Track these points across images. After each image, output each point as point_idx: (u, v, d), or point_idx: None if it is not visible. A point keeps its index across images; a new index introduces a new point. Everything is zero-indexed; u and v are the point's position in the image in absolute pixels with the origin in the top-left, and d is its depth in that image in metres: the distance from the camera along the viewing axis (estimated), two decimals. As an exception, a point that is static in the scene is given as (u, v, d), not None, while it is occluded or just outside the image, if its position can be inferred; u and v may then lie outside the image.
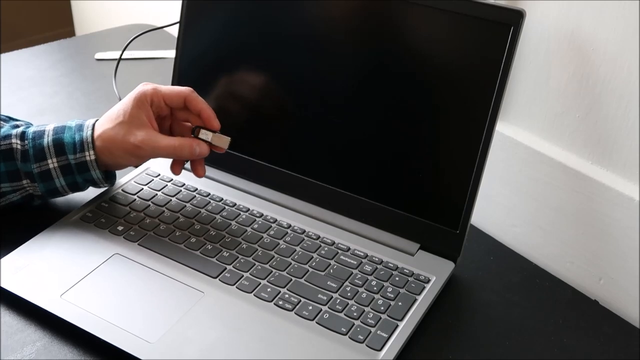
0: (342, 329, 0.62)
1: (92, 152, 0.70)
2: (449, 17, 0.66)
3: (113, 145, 0.70)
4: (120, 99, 0.93)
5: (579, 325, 0.67)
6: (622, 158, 0.67)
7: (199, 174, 0.73)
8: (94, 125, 0.71)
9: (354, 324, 0.62)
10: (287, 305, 0.64)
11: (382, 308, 0.64)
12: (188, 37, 0.80)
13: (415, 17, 0.68)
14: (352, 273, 0.68)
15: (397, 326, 0.62)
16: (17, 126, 0.73)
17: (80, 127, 0.71)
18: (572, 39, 0.68)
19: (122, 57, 0.98)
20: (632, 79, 0.64)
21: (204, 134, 0.71)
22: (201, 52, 0.80)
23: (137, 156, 0.70)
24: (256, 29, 0.76)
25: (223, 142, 0.71)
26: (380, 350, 0.60)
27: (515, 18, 0.63)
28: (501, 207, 0.78)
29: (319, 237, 0.72)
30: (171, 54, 1.12)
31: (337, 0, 0.71)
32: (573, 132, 0.71)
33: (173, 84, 0.81)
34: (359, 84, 0.71)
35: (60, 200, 0.78)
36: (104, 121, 0.71)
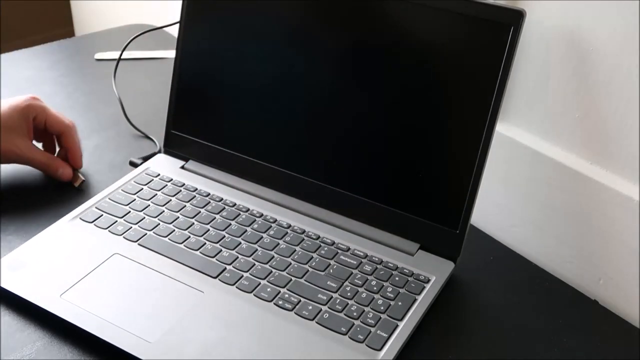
0: (342, 328, 0.62)
1: None
2: (448, 17, 0.66)
3: None
4: (120, 100, 0.94)
5: (578, 325, 0.67)
6: (621, 158, 0.68)
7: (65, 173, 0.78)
8: None
9: (353, 324, 0.62)
10: (287, 305, 0.64)
11: (382, 308, 0.64)
12: (188, 37, 0.79)
13: (415, 17, 0.68)
14: (352, 273, 0.68)
15: (397, 326, 0.62)
16: None
17: None
18: (572, 39, 0.68)
19: (122, 57, 0.98)
20: (631, 79, 0.65)
21: (75, 179, 0.80)
22: (201, 52, 0.80)
23: (8, 159, 0.77)
24: (256, 28, 0.76)
25: (79, 180, 0.80)
26: (380, 350, 0.60)
27: (516, 18, 0.63)
28: (500, 207, 0.78)
29: (319, 237, 0.72)
30: (171, 54, 1.12)
31: (337, 0, 0.71)
32: (572, 132, 0.71)
33: (173, 83, 0.81)
34: (360, 85, 0.71)
35: (59, 199, 0.77)
36: None
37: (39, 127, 0.79)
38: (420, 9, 0.67)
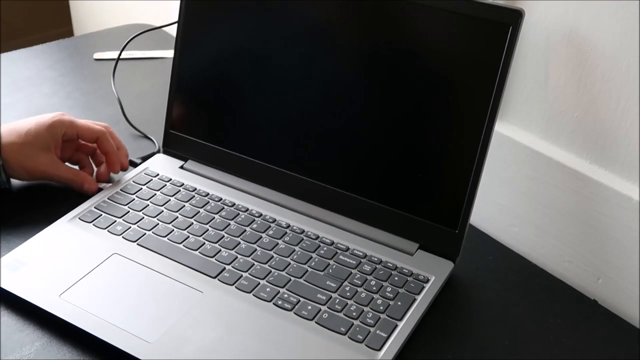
0: (342, 328, 0.62)
1: None
2: (448, 17, 0.66)
3: (14, 160, 0.75)
4: (119, 99, 0.94)
5: (578, 325, 0.67)
6: (620, 157, 0.68)
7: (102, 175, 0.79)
8: None
9: (353, 324, 0.62)
10: (286, 305, 0.64)
11: (382, 308, 0.64)
12: (186, 37, 0.79)
13: (414, 17, 0.68)
14: (351, 273, 0.67)
15: (396, 326, 0.62)
16: None
17: None
18: (571, 38, 0.68)
19: (121, 57, 0.98)
20: (630, 78, 0.65)
21: (103, 185, 0.79)
22: (199, 51, 0.80)
23: (34, 177, 0.77)
24: (255, 28, 0.76)
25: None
26: (379, 350, 0.60)
27: (515, 18, 0.63)
28: (499, 206, 0.78)
29: (318, 237, 0.72)
30: (170, 53, 1.12)
31: (336, 0, 0.71)
32: (571, 131, 0.71)
33: (171, 83, 0.81)
34: (358, 84, 0.71)
35: (59, 199, 0.77)
36: (11, 131, 0.75)
37: (72, 142, 0.79)
38: (419, 9, 0.67)
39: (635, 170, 0.67)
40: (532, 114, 0.74)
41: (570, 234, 0.72)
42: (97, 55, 1.11)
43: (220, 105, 0.79)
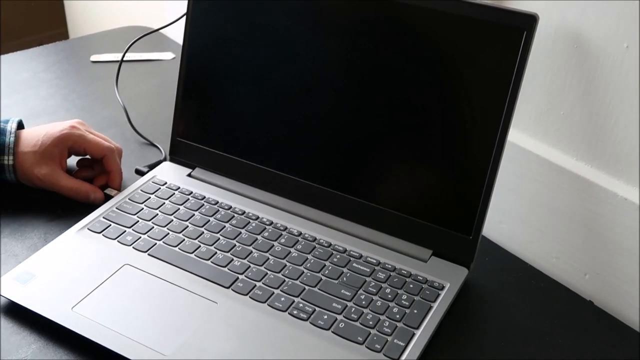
0: (359, 338, 0.61)
1: (11, 157, 0.75)
2: (461, 22, 0.65)
3: (20, 167, 0.76)
4: (124, 107, 0.92)
5: (574, 326, 0.67)
6: (606, 154, 0.68)
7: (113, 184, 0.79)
8: (16, 131, 0.77)
9: (370, 333, 0.62)
10: (302, 315, 0.63)
11: (398, 316, 0.64)
12: (193, 42, 0.78)
13: (427, 22, 0.67)
14: (366, 281, 0.67)
15: (413, 334, 0.62)
16: None
17: (2, 131, 0.76)
18: (556, 36, 0.68)
19: (117, 60, 0.96)
20: (615, 75, 0.65)
21: (110, 190, 0.79)
22: (207, 58, 0.79)
23: (36, 185, 0.77)
24: (265, 33, 0.75)
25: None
26: (398, 359, 0.60)
27: (529, 22, 0.62)
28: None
29: (331, 244, 0.71)
30: (166, 55, 1.11)
31: (347, 2, 0.70)
32: (558, 129, 0.71)
33: (178, 90, 0.80)
34: (371, 91, 0.71)
35: (66, 209, 0.76)
36: (26, 136, 0.77)
37: (80, 154, 0.80)
38: (431, 14, 0.66)
39: (621, 167, 0.67)
40: (519, 111, 0.73)
41: (558, 230, 0.73)
42: (94, 58, 1.10)
43: (228, 112, 0.78)
